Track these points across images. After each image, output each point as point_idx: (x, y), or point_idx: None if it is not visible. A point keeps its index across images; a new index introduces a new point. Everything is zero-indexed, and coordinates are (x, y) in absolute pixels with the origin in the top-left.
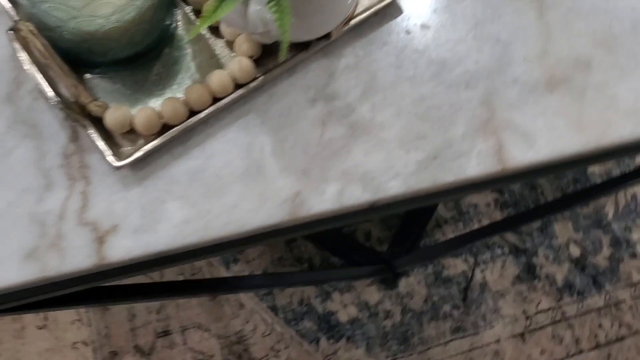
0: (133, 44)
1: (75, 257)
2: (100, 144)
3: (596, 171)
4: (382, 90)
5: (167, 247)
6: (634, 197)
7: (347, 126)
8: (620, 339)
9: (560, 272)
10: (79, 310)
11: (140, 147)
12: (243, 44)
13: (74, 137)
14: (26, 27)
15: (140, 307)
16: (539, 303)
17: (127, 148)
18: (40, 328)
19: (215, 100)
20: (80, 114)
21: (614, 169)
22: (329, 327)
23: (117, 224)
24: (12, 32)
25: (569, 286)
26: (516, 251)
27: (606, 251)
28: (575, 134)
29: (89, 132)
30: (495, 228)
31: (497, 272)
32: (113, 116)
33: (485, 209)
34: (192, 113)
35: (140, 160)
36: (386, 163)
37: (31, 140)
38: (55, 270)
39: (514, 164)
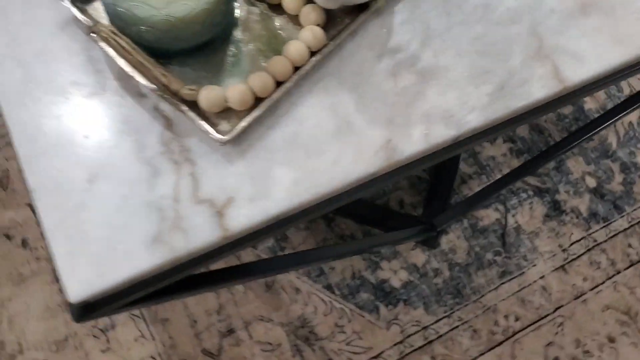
0: (214, 25)
1: (200, 233)
2: (201, 124)
3: (592, 108)
4: (439, 36)
5: (283, 209)
6: (630, 125)
7: (416, 73)
8: None
9: (583, 204)
10: (139, 326)
11: (236, 124)
12: (310, 14)
13: (168, 125)
14: (106, 28)
15: (200, 312)
16: (571, 235)
17: (222, 126)
18: (104, 351)
19: (295, 69)
20: (177, 100)
21: (608, 103)
22: (385, 294)
23: (232, 197)
24: (95, 34)
25: (593, 215)
26: (539, 192)
27: (618, 177)
28: (617, 47)
29: (188, 115)
30: (516, 174)
31: (527, 214)
32: (208, 97)
33: (502, 159)
34: (277, 84)
35: (237, 136)
36: (460, 100)
37: (128, 135)
38: (184, 249)
39: (573, 82)
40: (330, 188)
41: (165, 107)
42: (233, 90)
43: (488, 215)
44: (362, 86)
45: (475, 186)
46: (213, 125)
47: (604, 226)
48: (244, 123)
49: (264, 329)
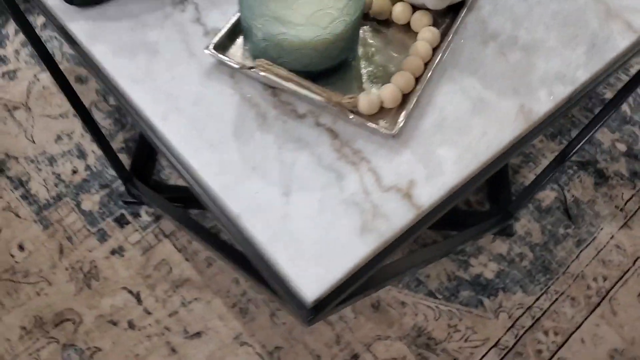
0: (354, 42)
1: (397, 215)
2: (370, 125)
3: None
4: (525, 18)
5: (457, 180)
6: (635, 92)
7: (520, 50)
8: None
9: (622, 167)
10: None
11: (393, 121)
12: (422, 18)
13: (334, 136)
14: (263, 62)
15: (320, 346)
16: (622, 195)
17: (382, 124)
18: None
19: (425, 65)
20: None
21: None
22: (483, 287)
23: (412, 179)
24: (254, 69)
25: (634, 174)
26: (583, 165)
27: None
28: None
29: (353, 120)
30: (560, 157)
31: (579, 187)
32: (366, 101)
33: (541, 145)
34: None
35: (400, 129)
36: (565, 62)
37: (303, 150)
38: (390, 231)
39: None
40: (488, 155)
41: (326, 120)
42: (385, 91)
43: (547, 196)
44: (481, 69)
45: (527, 173)
46: (376, 124)
47: None
48: (401, 117)
49: (384, 347)
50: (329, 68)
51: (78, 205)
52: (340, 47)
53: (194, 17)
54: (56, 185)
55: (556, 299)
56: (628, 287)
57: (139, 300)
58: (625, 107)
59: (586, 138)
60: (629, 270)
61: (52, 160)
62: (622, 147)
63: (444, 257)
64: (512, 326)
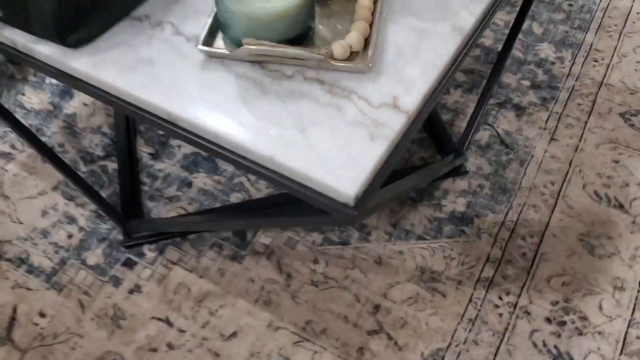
0: (299, 25)
1: (393, 121)
2: (348, 64)
3: (488, 44)
4: None
5: (427, 87)
6: (520, 41)
7: None
8: None
9: (532, 97)
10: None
11: (362, 59)
12: None
13: (322, 83)
14: (250, 40)
15: (343, 308)
16: (540, 117)
17: (358, 63)
18: None
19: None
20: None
21: (498, 37)
22: (460, 219)
23: (394, 96)
24: (248, 47)
25: (543, 99)
26: (501, 105)
27: (539, 72)
28: None
29: (335, 65)
30: (481, 100)
31: (505, 121)
32: (339, 47)
33: (463, 99)
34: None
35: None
36: None
37: (302, 99)
38: (392, 133)
39: None
40: (443, 65)
41: (311, 74)
42: (351, 37)
43: (483, 135)
44: (413, 8)
45: (460, 123)
46: (353, 64)
47: (554, 100)
48: (370, 53)
49: (398, 291)
50: (298, 35)
51: (84, 263)
52: (305, 12)
53: (174, 31)
54: (57, 252)
55: (521, 210)
56: (573, 184)
57: (170, 324)
58: (517, 53)
59: (495, 82)
60: (567, 171)
61: (45, 233)
62: (526, 82)
63: (413, 190)
64: (494, 242)
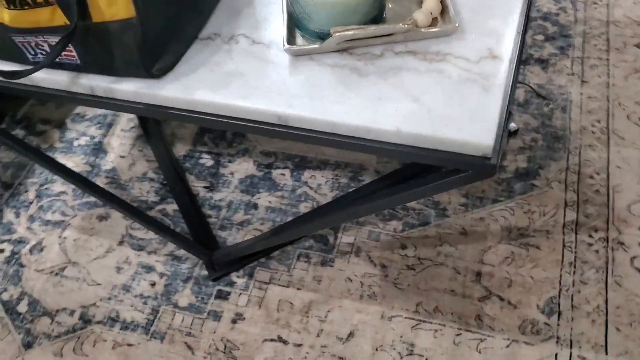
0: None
1: (497, 70)
2: (435, 29)
3: None
4: None
5: (513, 33)
6: None
7: None
8: None
9: (549, 50)
10: None
11: (447, 23)
12: None
13: (413, 53)
14: (337, 28)
15: (447, 283)
16: (564, 64)
17: (442, 27)
18: None
19: None
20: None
21: None
22: (526, 174)
23: (488, 48)
24: (338, 34)
25: (561, 48)
26: (524, 62)
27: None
28: None
29: (426, 32)
30: None
31: (534, 75)
32: (422, 15)
33: None
34: None
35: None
36: None
37: (401, 71)
38: (501, 79)
39: None
40: (517, 14)
41: (399, 48)
42: (430, 4)
43: (518, 94)
44: None
45: None
46: (441, 28)
47: (571, 46)
48: (451, 15)
49: (493, 255)
50: (377, 15)
51: (176, 306)
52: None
53: (249, 42)
54: (145, 303)
55: (580, 152)
56: (617, 117)
57: (284, 342)
58: None
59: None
60: (608, 107)
61: (126, 288)
62: (539, 37)
63: None
64: (566, 187)
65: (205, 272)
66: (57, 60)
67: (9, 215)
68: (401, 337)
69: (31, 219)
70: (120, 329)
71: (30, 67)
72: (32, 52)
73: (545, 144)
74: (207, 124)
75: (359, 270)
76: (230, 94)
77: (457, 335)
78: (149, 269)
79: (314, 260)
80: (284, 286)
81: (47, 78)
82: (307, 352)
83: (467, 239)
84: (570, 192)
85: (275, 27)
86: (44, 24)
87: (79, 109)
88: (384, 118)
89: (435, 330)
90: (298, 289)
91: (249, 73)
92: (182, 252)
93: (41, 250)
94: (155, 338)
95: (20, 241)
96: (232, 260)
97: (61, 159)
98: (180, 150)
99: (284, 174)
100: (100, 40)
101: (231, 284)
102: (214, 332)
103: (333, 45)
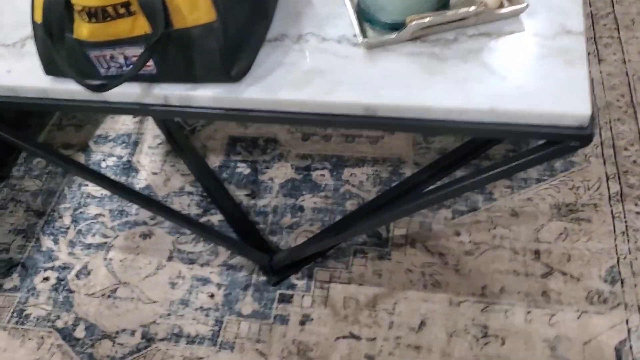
0: None
1: (575, 42)
2: (507, 10)
3: None
4: None
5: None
6: None
7: None
8: None
9: None
10: None
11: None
12: None
13: (487, 35)
14: (411, 17)
15: (506, 265)
16: None
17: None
18: None
19: None
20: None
21: None
22: None
23: (560, 23)
24: (415, 22)
25: None
26: None
27: None
28: None
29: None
30: None
31: None
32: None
33: None
34: None
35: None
36: None
37: (479, 53)
38: (580, 50)
39: None
40: None
41: (472, 31)
42: None
43: None
44: None
45: None
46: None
47: None
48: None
49: (546, 232)
50: (443, 4)
51: (240, 314)
52: None
53: (319, 39)
54: (207, 315)
55: (611, 127)
56: (639, 90)
57: (357, 337)
58: None
59: None
60: (628, 82)
61: (185, 302)
62: None
63: None
64: (604, 160)
65: (262, 278)
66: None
67: (47, 242)
68: (473, 320)
69: (71, 244)
70: (187, 343)
71: (104, 81)
72: (105, 66)
73: None
74: (293, 123)
75: (418, 260)
76: (314, 91)
77: (528, 313)
78: (205, 281)
79: (370, 255)
80: (345, 283)
81: (119, 92)
82: (381, 345)
83: (519, 220)
84: (609, 164)
85: (341, 23)
86: (125, 35)
87: (100, 131)
88: (476, 98)
89: (506, 311)
90: (360, 284)
91: (328, 69)
92: (235, 261)
93: (88, 274)
94: (224, 349)
95: (65, 267)
96: (288, 263)
97: (91, 185)
98: (214, 161)
99: (323, 175)
100: (180, 46)
101: (292, 286)
102: (284, 336)
103: (409, 34)
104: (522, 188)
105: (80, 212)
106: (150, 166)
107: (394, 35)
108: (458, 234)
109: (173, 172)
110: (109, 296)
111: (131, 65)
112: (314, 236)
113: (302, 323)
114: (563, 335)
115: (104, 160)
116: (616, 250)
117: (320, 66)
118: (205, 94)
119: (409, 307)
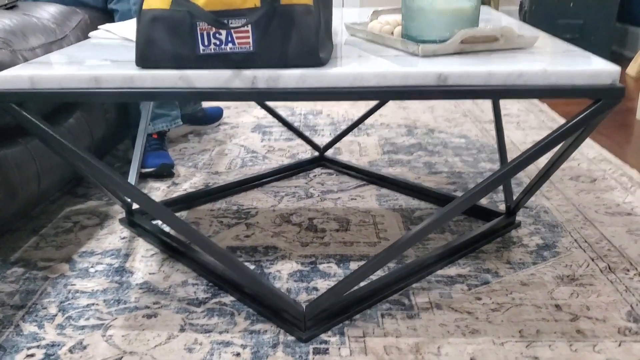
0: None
1: None
2: None
3: None
4: None
5: None
6: None
7: None
8: None
9: None
10: None
11: None
12: None
13: None
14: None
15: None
16: None
17: None
18: None
19: None
20: None
21: None
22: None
23: None
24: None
25: None
26: None
27: None
28: None
29: None
30: None
31: None
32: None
33: None
34: None
35: None
36: None
37: None
38: None
39: None
40: None
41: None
42: None
43: None
44: None
45: None
46: None
47: None
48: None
49: (559, 292)
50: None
51: None
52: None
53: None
54: None
55: (578, 232)
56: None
57: None
58: None
59: None
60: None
61: None
62: None
63: None
64: (584, 250)
65: (290, 338)
66: (229, 49)
67: (29, 328)
68: (522, 353)
69: (60, 327)
70: None
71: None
72: (206, 43)
73: (545, 230)
74: (375, 98)
75: (448, 318)
76: (396, 65)
77: (570, 345)
78: (227, 344)
79: (399, 316)
80: (381, 336)
81: (208, 75)
82: None
83: (531, 287)
84: (589, 252)
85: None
86: (237, 5)
87: (85, 248)
88: (530, 63)
89: (550, 345)
90: (397, 337)
91: (397, 63)
92: (257, 327)
93: (84, 348)
94: None
95: (54, 345)
96: (317, 320)
97: (79, 283)
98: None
99: (330, 266)
100: (282, 23)
101: (324, 341)
102: None
103: (460, 37)
104: (522, 268)
105: (69, 304)
106: (146, 269)
107: (448, 42)
108: (479, 298)
109: (173, 272)
110: None
111: (230, 43)
112: (359, 268)
113: None
114: (612, 358)
115: (91, 267)
116: (625, 299)
117: (391, 53)
118: (294, 73)
119: (455, 349)
